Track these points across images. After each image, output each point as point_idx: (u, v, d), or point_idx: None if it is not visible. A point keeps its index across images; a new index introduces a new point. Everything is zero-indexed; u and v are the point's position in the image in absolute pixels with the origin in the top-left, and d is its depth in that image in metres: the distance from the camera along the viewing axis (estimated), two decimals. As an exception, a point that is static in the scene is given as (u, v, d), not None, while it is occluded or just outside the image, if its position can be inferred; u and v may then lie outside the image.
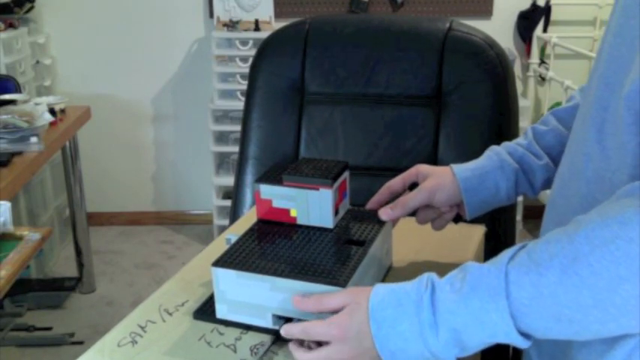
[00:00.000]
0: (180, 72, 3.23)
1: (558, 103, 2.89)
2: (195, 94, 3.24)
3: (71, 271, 2.85)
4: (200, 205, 3.42)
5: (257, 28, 2.91)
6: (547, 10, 3.11)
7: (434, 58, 1.22)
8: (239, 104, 2.95)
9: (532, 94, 3.23)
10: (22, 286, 2.59)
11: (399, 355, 0.67)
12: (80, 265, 2.76)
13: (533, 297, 0.60)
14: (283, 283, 0.77)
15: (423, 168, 0.95)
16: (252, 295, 0.80)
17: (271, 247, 0.86)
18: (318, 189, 0.89)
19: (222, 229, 2.53)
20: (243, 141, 1.33)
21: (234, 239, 0.89)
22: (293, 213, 0.92)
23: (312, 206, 0.91)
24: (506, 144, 0.97)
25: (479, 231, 1.10)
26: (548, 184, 0.92)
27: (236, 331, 0.81)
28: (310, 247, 0.85)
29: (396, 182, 0.95)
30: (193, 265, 1.01)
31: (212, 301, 0.84)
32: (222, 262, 0.81)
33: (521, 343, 0.63)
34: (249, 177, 1.32)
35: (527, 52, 3.20)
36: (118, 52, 3.19)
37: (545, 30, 3.13)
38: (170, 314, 0.86)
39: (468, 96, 1.21)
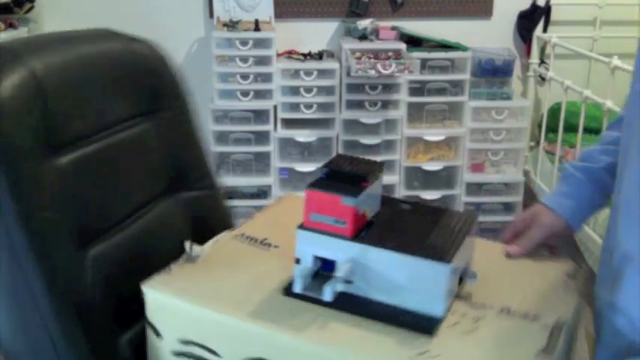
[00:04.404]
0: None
1: (558, 104, 2.89)
2: (195, 94, 3.23)
3: (71, 271, 2.85)
4: (200, 205, 3.41)
5: (257, 28, 2.91)
6: (547, 10, 3.11)
7: (125, 79, 1.19)
8: (239, 104, 2.96)
9: (532, 94, 3.23)
10: (22, 286, 2.58)
11: None
12: (80, 265, 2.75)
13: None
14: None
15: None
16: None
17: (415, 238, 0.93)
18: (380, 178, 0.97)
19: (223, 229, 2.51)
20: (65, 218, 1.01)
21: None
22: (368, 213, 0.94)
23: (375, 196, 0.96)
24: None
25: (565, 266, 1.10)
26: None
27: None
28: (424, 224, 0.95)
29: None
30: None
31: None
32: (442, 255, 0.89)
33: None
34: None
35: (527, 52, 3.20)
36: (118, 52, 3.19)
37: (545, 30, 3.13)
38: None
39: (167, 104, 1.31)
